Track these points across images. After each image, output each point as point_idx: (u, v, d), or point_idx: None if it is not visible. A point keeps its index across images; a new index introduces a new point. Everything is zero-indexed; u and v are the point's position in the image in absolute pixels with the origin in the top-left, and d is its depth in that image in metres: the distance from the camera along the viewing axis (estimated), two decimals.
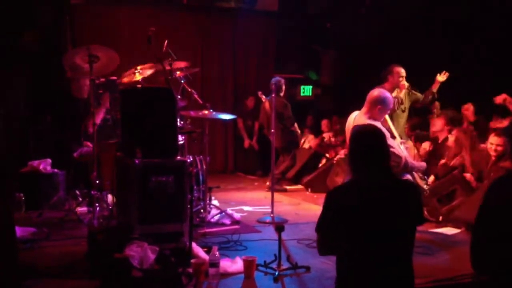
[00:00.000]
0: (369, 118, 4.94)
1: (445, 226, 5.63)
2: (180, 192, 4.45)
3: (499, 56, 8.40)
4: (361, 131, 3.09)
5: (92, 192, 5.68)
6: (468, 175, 5.94)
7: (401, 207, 2.84)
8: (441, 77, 6.37)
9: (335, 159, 8.39)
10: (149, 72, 5.96)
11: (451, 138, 6.68)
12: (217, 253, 3.91)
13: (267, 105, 8.28)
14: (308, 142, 10.31)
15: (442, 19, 9.29)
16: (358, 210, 2.79)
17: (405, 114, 6.32)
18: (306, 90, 11.78)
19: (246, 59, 11.01)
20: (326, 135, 10.00)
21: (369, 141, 2.98)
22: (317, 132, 10.54)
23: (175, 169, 4.47)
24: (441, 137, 7.12)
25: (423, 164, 5.41)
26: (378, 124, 4.94)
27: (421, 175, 5.40)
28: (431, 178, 6.26)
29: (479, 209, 2.76)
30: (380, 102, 4.95)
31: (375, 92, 5.04)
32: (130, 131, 4.75)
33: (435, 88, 6.40)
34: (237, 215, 6.07)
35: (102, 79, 6.31)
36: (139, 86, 5.88)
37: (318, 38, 11.29)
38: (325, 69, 11.78)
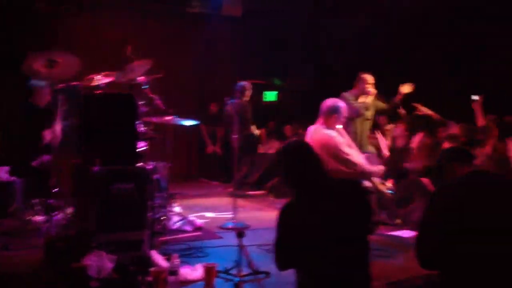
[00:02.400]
0: (326, 128, 5.02)
1: (403, 229, 5.75)
2: (140, 200, 4.43)
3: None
4: (289, 148, 3.09)
5: (50, 200, 5.58)
6: (425, 179, 6.07)
7: (351, 213, 2.88)
8: (405, 89, 6.53)
9: None
10: (111, 78, 5.90)
11: (412, 143, 6.84)
12: (177, 260, 3.91)
13: (230, 109, 8.29)
14: (272, 147, 10.36)
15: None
16: (307, 224, 2.82)
17: (370, 121, 6.44)
18: (271, 96, 11.85)
19: (211, 65, 11.01)
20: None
21: (300, 155, 2.98)
22: (281, 137, 10.59)
23: (135, 176, 4.45)
24: (401, 143, 7.26)
25: (381, 168, 5.50)
26: (334, 133, 5.03)
27: (380, 179, 5.51)
28: (391, 182, 6.37)
29: (424, 210, 2.88)
30: (335, 111, 5.05)
31: (329, 102, 5.13)
32: (90, 137, 4.71)
33: (397, 99, 6.57)
34: (199, 222, 6.07)
35: (62, 85, 6.21)
36: (100, 92, 5.81)
37: (283, 43, 11.36)
38: (290, 74, 11.88)
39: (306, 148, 3.05)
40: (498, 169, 5.73)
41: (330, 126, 5.06)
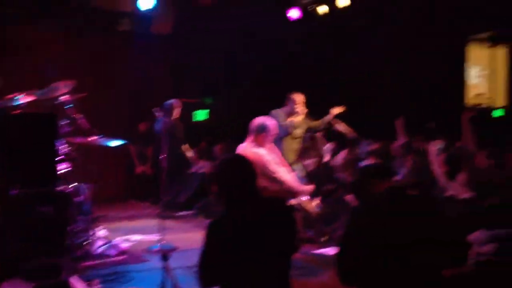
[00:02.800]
0: (255, 146, 5.05)
1: (329, 246, 5.82)
2: (60, 223, 4.29)
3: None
4: (227, 163, 3.09)
5: None
6: (349, 196, 6.20)
7: (277, 232, 2.90)
8: (336, 110, 6.74)
9: None
10: (33, 97, 5.69)
11: (336, 160, 6.99)
12: (99, 286, 3.79)
13: (159, 128, 8.18)
14: (203, 167, 10.30)
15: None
16: (232, 241, 2.82)
17: (299, 140, 6.55)
18: (201, 115, 11.81)
19: (140, 83, 10.84)
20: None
21: (235, 171, 2.98)
22: (212, 157, 10.54)
23: (55, 198, 4.30)
24: (327, 157, 7.40)
25: (309, 187, 5.58)
26: (263, 151, 5.06)
27: (308, 197, 5.57)
28: (318, 199, 6.46)
29: (345, 227, 2.95)
30: (263, 129, 5.10)
31: (257, 120, 5.19)
32: (7, 159, 4.51)
33: (328, 119, 6.79)
34: (124, 245, 5.93)
35: None
36: (19, 111, 5.59)
37: (213, 62, 11.38)
38: (221, 93, 11.90)
39: (243, 162, 3.04)
40: (420, 180, 5.95)
41: (259, 144, 5.10)
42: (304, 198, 5.49)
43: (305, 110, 6.40)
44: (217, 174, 3.02)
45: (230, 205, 2.94)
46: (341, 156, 7.05)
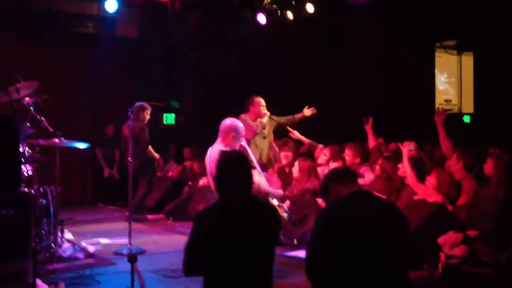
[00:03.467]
0: (225, 146, 5.00)
1: (300, 249, 5.79)
2: (23, 226, 4.14)
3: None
4: (227, 156, 3.22)
5: None
6: (320, 200, 6.19)
7: (263, 229, 2.98)
8: (308, 111, 6.84)
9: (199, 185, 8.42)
10: None
11: (295, 170, 7.05)
12: None
13: (125, 130, 8.05)
14: (171, 170, 10.20)
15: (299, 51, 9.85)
16: (221, 231, 2.89)
17: (268, 140, 6.59)
18: (169, 118, 11.70)
19: (106, 87, 10.69)
20: (188, 163, 9.94)
21: (234, 165, 3.10)
22: (180, 160, 10.46)
23: (17, 201, 4.16)
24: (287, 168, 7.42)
25: (280, 191, 5.58)
26: None
27: (278, 202, 5.55)
28: (287, 203, 6.44)
29: (311, 230, 2.97)
30: (233, 130, 5.08)
31: (228, 121, 5.17)
32: None
33: (298, 117, 6.86)
34: (92, 248, 5.79)
35: None
36: None
37: (180, 66, 11.30)
38: (188, 97, 11.81)
39: (240, 159, 3.16)
40: (386, 188, 5.99)
41: (228, 144, 5.06)
42: (275, 201, 5.45)
43: (268, 113, 6.50)
44: (217, 166, 3.12)
45: (223, 196, 3.03)
46: (298, 163, 7.09)
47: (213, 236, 2.87)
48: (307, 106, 6.89)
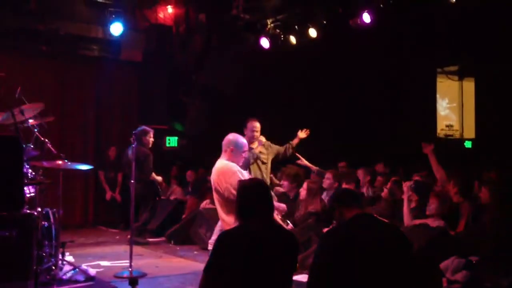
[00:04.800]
0: (227, 160, 5.02)
1: (301, 273, 5.76)
2: (25, 248, 4.14)
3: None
4: (249, 183, 3.37)
5: None
6: (321, 223, 6.18)
7: (284, 255, 3.04)
8: (302, 134, 6.78)
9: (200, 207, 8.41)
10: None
11: (303, 192, 7.01)
12: None
13: (129, 154, 8.07)
14: (174, 193, 10.19)
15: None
16: (244, 255, 2.92)
17: (268, 165, 6.54)
18: (172, 141, 11.73)
19: (109, 109, 10.72)
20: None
21: (257, 191, 3.20)
22: (183, 183, 10.45)
23: (19, 222, 4.17)
24: (291, 195, 7.37)
25: (283, 205, 5.55)
26: (235, 166, 5.01)
27: (282, 217, 5.53)
28: (290, 225, 6.42)
29: (314, 253, 3.05)
30: (232, 144, 5.05)
31: (229, 136, 5.17)
32: None
33: (295, 143, 6.78)
34: (92, 271, 5.76)
35: None
36: None
37: (183, 89, 11.38)
38: (191, 120, 11.86)
39: (261, 187, 3.28)
40: (390, 211, 5.98)
41: (229, 158, 5.04)
42: (278, 216, 5.43)
43: (264, 139, 6.41)
44: (240, 193, 3.24)
45: (245, 221, 3.11)
46: (304, 186, 7.07)
47: (233, 258, 2.93)
48: (300, 130, 6.85)
